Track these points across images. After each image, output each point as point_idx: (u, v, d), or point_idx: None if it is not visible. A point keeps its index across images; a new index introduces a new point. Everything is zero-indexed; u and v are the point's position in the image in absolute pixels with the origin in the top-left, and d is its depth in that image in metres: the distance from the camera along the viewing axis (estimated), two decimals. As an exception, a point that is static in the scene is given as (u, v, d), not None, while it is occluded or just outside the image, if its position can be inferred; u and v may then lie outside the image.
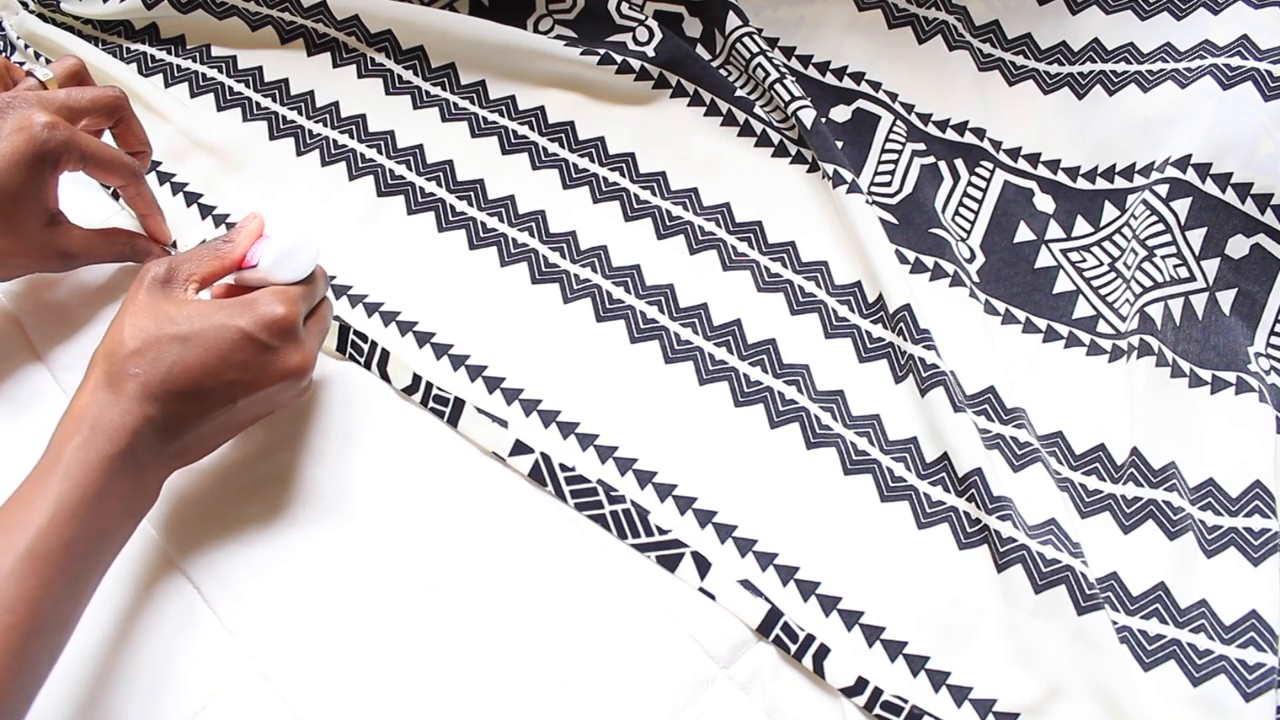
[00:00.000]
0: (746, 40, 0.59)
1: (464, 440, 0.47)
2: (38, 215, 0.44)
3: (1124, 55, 0.57)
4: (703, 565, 0.44)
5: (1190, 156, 0.52)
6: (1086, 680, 0.41)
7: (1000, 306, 0.53)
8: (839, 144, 0.57)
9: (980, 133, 0.58)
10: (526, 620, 0.42)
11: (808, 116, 0.56)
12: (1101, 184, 0.56)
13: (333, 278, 0.53)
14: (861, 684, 0.41)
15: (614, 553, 0.44)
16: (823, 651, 0.42)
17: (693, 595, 0.43)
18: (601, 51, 0.59)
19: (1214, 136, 0.52)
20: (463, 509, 0.45)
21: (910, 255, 0.54)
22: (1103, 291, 0.53)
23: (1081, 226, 0.55)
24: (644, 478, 0.47)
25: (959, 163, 0.58)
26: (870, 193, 0.56)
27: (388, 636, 0.42)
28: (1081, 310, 0.53)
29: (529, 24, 0.62)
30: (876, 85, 0.60)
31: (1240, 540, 0.45)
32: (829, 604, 0.44)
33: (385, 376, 0.48)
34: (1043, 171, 0.57)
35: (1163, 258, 0.52)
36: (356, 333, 0.49)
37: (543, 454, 0.46)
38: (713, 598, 0.43)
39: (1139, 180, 0.54)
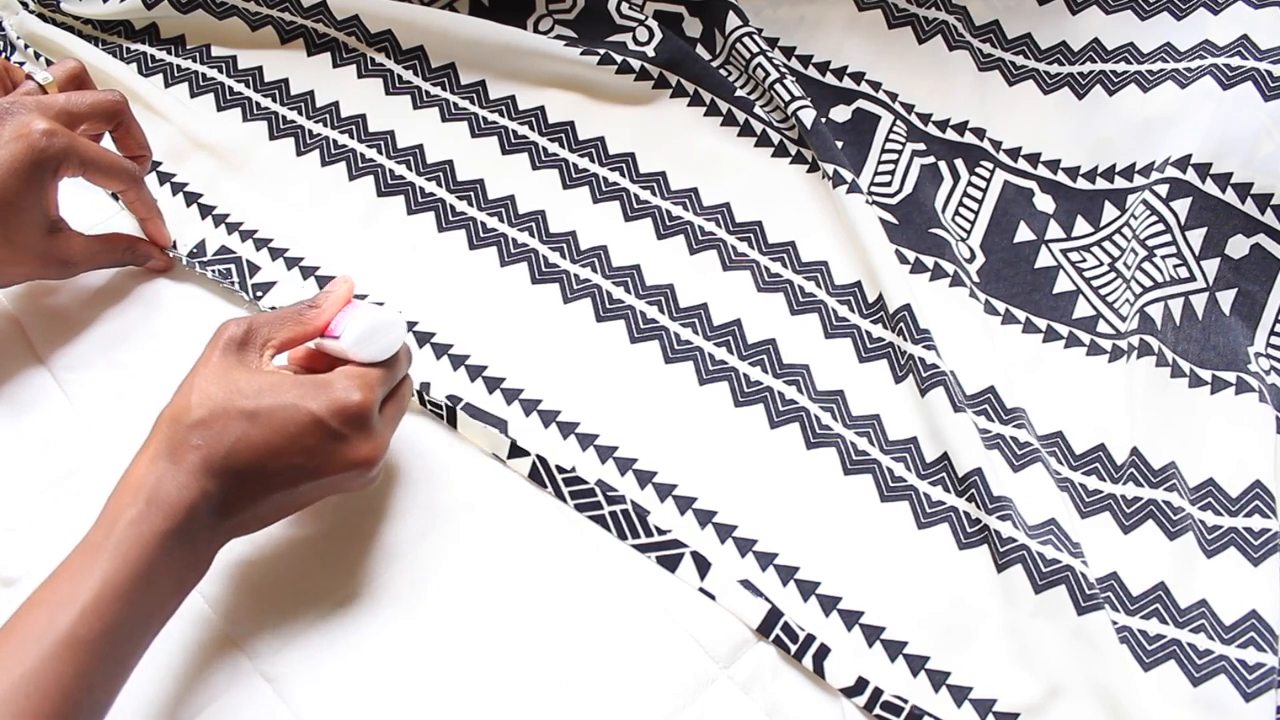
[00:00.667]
0: (746, 40, 0.59)
1: (462, 439, 0.47)
2: (37, 223, 0.44)
3: (1124, 55, 0.57)
4: (703, 565, 0.44)
5: (1190, 156, 0.52)
6: (1086, 680, 0.41)
7: (1000, 306, 0.53)
8: (839, 144, 0.57)
9: (980, 133, 0.58)
10: (526, 620, 0.42)
11: (808, 116, 0.56)
12: (1101, 184, 0.56)
13: (332, 278, 0.52)
14: (861, 684, 0.41)
15: (614, 553, 0.44)
16: (823, 651, 0.42)
17: (693, 595, 0.43)
18: (601, 51, 0.59)
19: (1214, 136, 0.52)
20: (462, 508, 0.45)
21: (910, 255, 0.54)
22: (1103, 291, 0.53)
23: (1081, 226, 0.55)
24: (644, 478, 0.47)
25: (959, 163, 0.58)
26: (870, 193, 0.56)
27: (387, 634, 0.42)
28: (1081, 310, 0.53)
29: (529, 24, 0.62)
30: (876, 85, 0.60)
31: (1240, 540, 0.45)
32: (829, 604, 0.44)
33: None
34: (1043, 171, 0.57)
35: (1163, 258, 0.52)
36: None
37: (539, 457, 0.46)
38: (713, 598, 0.43)
39: (1139, 180, 0.54)
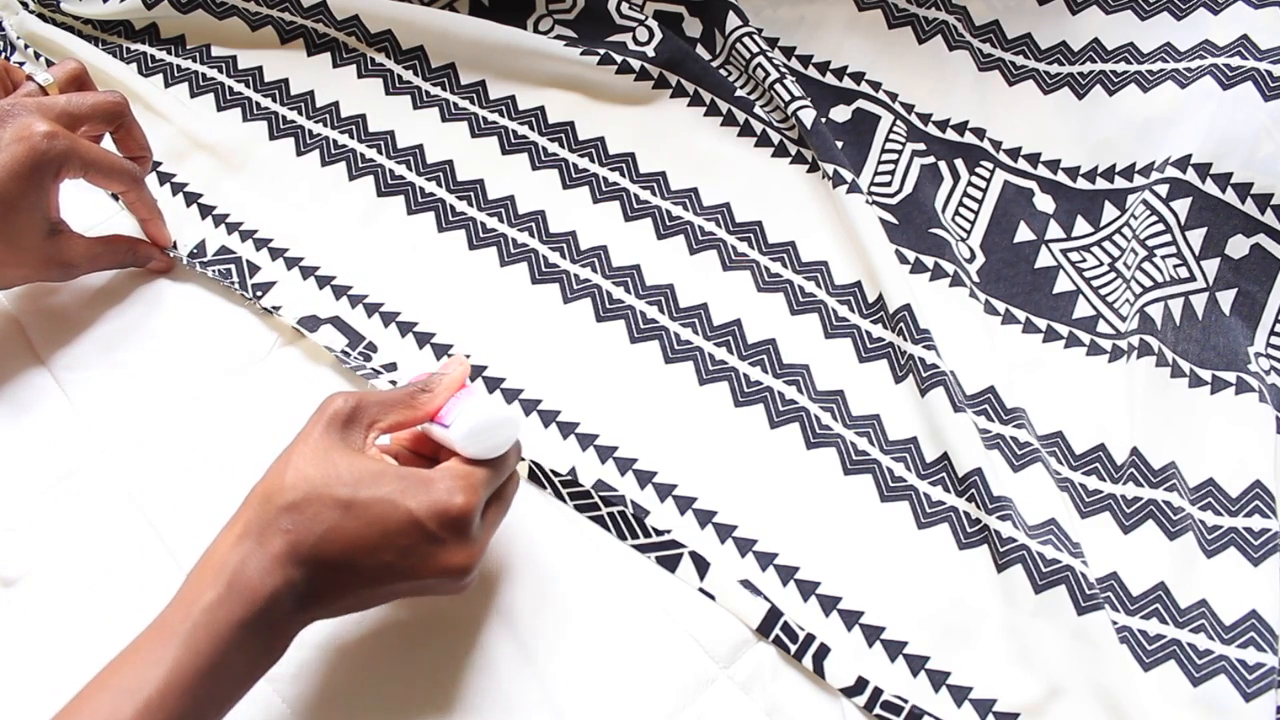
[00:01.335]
0: (746, 40, 0.59)
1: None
2: (38, 226, 0.44)
3: (1124, 55, 0.57)
4: (702, 565, 0.44)
5: (1190, 156, 0.52)
6: (1086, 680, 0.41)
7: (1000, 306, 0.53)
8: (839, 144, 0.57)
9: (980, 133, 0.58)
10: (527, 620, 0.42)
11: (808, 116, 0.56)
12: (1101, 184, 0.56)
13: (332, 278, 0.53)
14: (861, 684, 0.41)
15: (614, 553, 0.44)
16: (823, 651, 0.42)
17: (693, 595, 0.43)
18: (601, 51, 0.59)
19: (1214, 136, 0.52)
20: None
21: (910, 255, 0.54)
22: (1103, 291, 0.53)
23: (1081, 226, 0.55)
24: (644, 478, 0.47)
25: (959, 163, 0.58)
26: (870, 193, 0.56)
27: (385, 632, 0.42)
28: (1081, 310, 0.53)
29: (529, 24, 0.62)
30: (876, 85, 0.60)
31: (1240, 540, 0.45)
32: (829, 604, 0.44)
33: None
34: (1043, 171, 0.57)
35: (1163, 258, 0.52)
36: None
37: (534, 463, 0.46)
38: (713, 598, 0.43)
39: (1139, 180, 0.54)
